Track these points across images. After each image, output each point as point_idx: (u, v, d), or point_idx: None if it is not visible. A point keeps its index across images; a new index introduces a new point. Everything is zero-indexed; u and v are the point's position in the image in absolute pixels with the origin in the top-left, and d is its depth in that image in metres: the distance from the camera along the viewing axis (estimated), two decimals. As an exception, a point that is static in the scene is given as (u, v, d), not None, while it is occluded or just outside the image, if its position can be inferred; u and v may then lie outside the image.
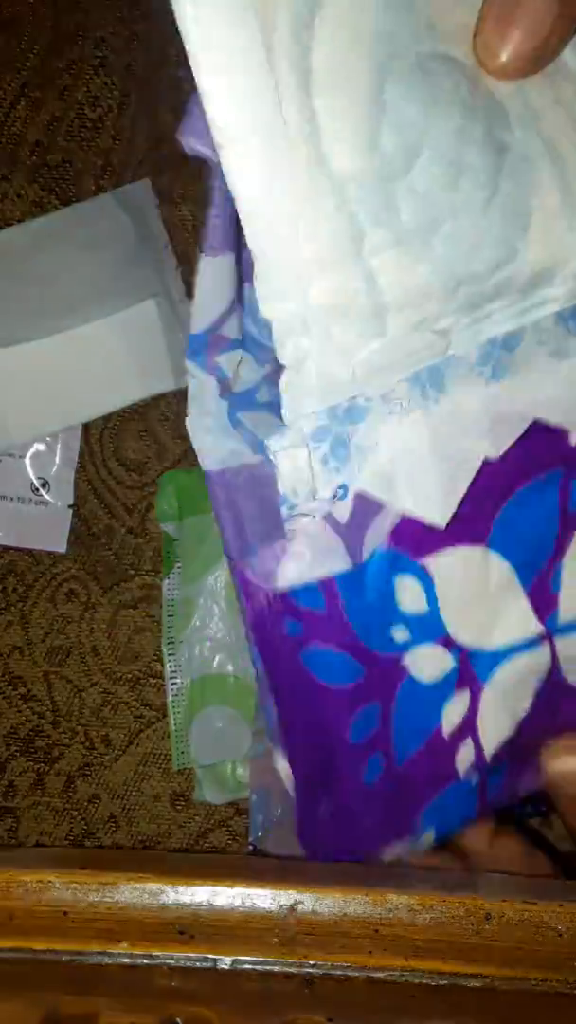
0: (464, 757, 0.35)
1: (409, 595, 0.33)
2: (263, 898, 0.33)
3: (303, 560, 0.31)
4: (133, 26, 0.58)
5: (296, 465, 0.29)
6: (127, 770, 0.56)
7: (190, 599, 0.53)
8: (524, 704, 0.36)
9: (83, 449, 0.56)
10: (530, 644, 0.35)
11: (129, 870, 0.33)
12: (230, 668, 0.52)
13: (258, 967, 0.32)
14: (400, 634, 0.33)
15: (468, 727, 0.35)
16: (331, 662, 0.32)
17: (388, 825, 0.35)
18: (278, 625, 0.32)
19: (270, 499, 0.30)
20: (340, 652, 0.32)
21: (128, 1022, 0.31)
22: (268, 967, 0.32)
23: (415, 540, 0.32)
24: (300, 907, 0.33)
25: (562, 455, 0.34)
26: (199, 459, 0.32)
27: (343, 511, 0.30)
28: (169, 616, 0.53)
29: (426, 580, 0.33)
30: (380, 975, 0.32)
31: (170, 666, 0.53)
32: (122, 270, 0.55)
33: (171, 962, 0.32)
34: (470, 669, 0.35)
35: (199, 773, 0.54)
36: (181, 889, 0.33)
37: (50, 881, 0.33)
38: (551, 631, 0.36)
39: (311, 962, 0.32)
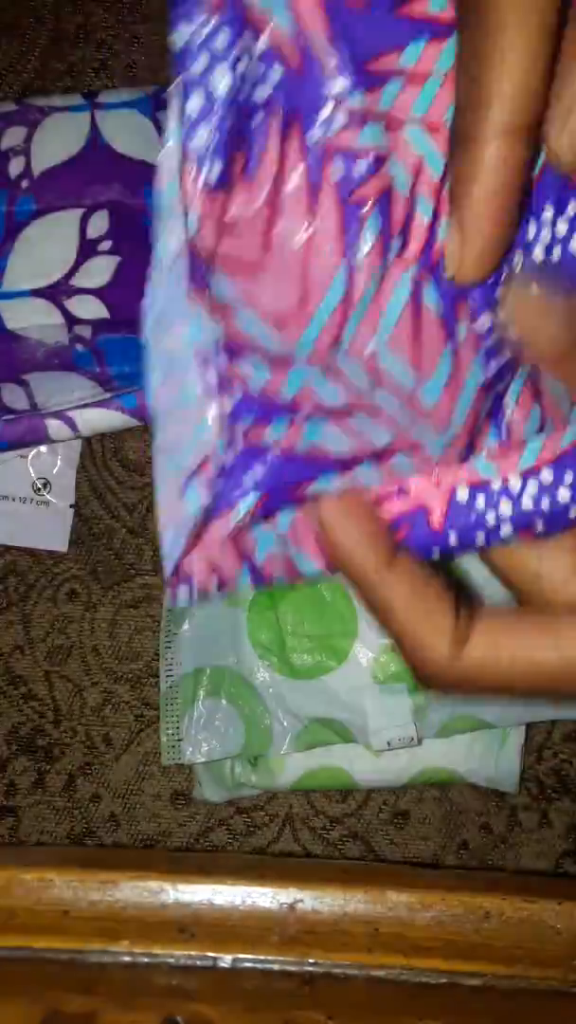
0: None
1: None
2: (263, 897, 0.33)
3: None
4: (134, 28, 0.58)
5: None
6: (128, 769, 0.56)
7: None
8: None
9: (84, 449, 0.57)
10: None
11: (130, 869, 0.34)
12: (225, 661, 0.52)
13: (258, 966, 0.32)
14: None
15: None
16: None
17: None
18: None
19: None
20: None
21: (129, 1020, 0.31)
22: (268, 966, 0.32)
23: None
24: (300, 906, 0.33)
25: None
26: None
27: None
28: (168, 610, 0.54)
29: None
30: (380, 973, 0.32)
31: (166, 658, 0.53)
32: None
33: (171, 961, 0.33)
34: None
35: (199, 771, 0.54)
36: (182, 888, 0.33)
37: (51, 880, 0.33)
38: None
39: (311, 960, 0.32)
